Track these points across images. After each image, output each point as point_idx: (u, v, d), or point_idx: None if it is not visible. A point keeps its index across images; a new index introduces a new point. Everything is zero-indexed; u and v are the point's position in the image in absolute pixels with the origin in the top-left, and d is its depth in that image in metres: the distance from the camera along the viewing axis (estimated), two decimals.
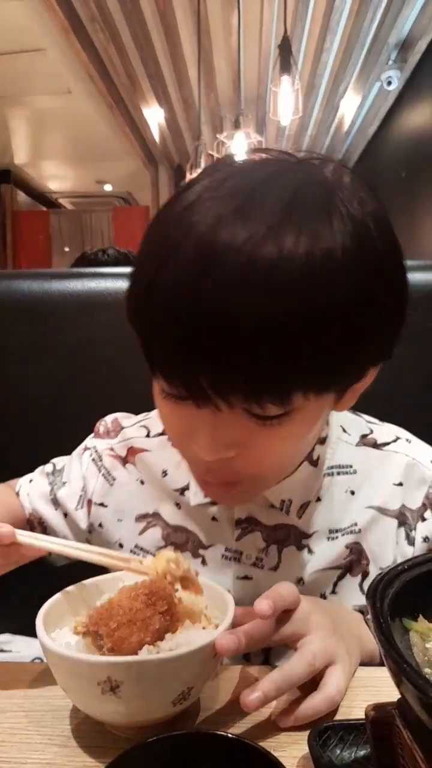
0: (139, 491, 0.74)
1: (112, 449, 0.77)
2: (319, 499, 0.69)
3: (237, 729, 0.51)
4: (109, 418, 0.80)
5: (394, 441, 0.72)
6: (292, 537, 0.69)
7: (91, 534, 0.76)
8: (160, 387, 0.55)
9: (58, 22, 3.80)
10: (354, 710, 0.52)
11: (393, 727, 0.39)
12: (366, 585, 0.68)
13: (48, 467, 0.81)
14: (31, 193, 7.77)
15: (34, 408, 1.09)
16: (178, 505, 0.72)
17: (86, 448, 0.79)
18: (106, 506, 0.75)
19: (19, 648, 1.03)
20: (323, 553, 0.68)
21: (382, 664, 0.60)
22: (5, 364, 1.10)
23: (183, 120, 5.75)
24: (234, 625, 0.52)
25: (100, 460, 0.76)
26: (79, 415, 0.84)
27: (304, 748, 0.47)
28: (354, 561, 0.68)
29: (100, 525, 0.75)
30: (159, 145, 6.49)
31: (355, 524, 0.69)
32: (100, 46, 4.29)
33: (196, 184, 0.51)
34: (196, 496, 0.70)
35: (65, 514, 0.77)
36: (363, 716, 0.42)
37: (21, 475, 0.83)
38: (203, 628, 0.54)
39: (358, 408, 0.78)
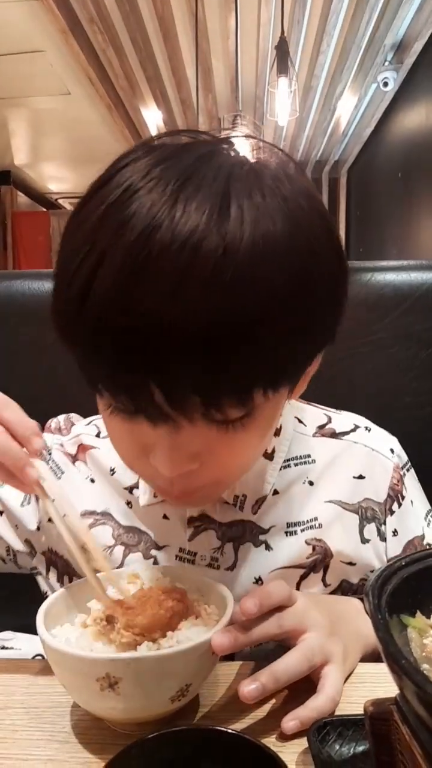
0: (88, 489, 0.71)
1: (62, 445, 0.74)
2: (276, 492, 0.67)
3: (236, 725, 0.51)
4: (61, 417, 0.79)
5: (353, 430, 0.71)
6: (248, 533, 0.66)
7: (40, 531, 0.72)
8: (105, 402, 0.51)
9: (57, 24, 3.80)
10: (352, 706, 0.52)
11: (391, 723, 0.39)
12: (329, 578, 0.67)
13: None
14: (31, 194, 7.77)
15: (34, 408, 1.08)
16: (129, 503, 0.69)
17: None
18: (53, 500, 0.72)
19: (20, 645, 1.03)
20: (282, 549, 0.66)
21: (381, 659, 0.61)
22: (6, 365, 1.10)
23: (181, 121, 5.75)
24: (233, 623, 0.52)
25: (49, 454, 0.74)
26: (80, 415, 0.83)
27: (303, 744, 0.48)
28: (318, 561, 0.66)
29: (49, 520, 0.71)
30: None
31: (316, 519, 0.67)
32: (98, 47, 4.29)
33: (122, 170, 0.47)
34: (144, 495, 0.68)
35: (1, 512, 0.73)
36: (361, 712, 0.42)
37: None
38: (203, 625, 0.54)
39: (357, 405, 0.78)
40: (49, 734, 0.51)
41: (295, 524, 0.67)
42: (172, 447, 0.49)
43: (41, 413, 1.07)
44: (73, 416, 0.79)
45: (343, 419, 0.73)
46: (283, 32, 3.04)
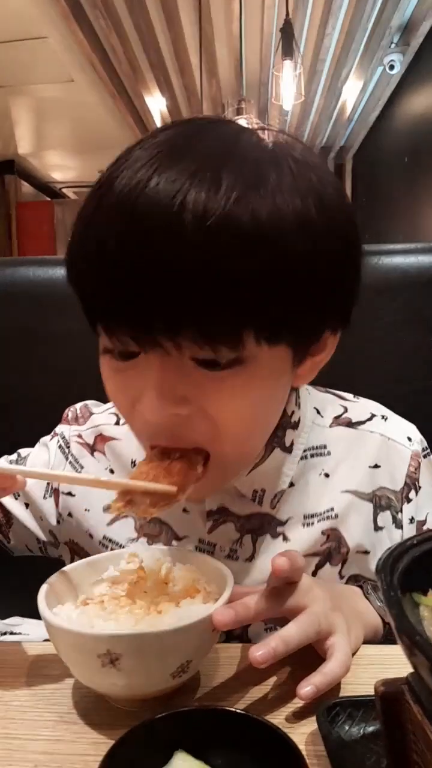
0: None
1: (80, 436, 0.74)
2: (292, 485, 0.67)
3: (239, 706, 0.51)
4: (78, 405, 0.78)
5: (369, 419, 0.70)
6: (266, 525, 0.66)
7: (60, 525, 0.73)
8: (104, 350, 0.54)
9: (60, 9, 3.76)
10: (360, 687, 0.52)
11: (403, 703, 0.38)
12: (345, 571, 0.67)
13: (12, 456, 0.79)
14: (35, 184, 7.74)
15: (35, 395, 1.08)
16: None
17: (54, 435, 0.76)
18: (74, 495, 0.72)
19: (28, 630, 1.04)
20: (299, 539, 0.66)
21: (385, 641, 0.60)
22: (7, 351, 1.09)
23: (185, 107, 5.70)
24: (232, 601, 0.51)
25: (68, 447, 0.74)
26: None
27: (311, 725, 0.47)
28: (333, 548, 0.66)
29: (70, 514, 0.73)
30: None
31: (332, 509, 0.67)
32: (102, 33, 4.25)
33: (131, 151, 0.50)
34: None
35: (26, 504, 0.75)
36: (370, 694, 0.42)
37: None
38: (203, 603, 0.54)
39: (366, 390, 0.77)
40: (57, 715, 0.51)
41: (312, 515, 0.67)
42: (159, 386, 0.50)
43: (45, 399, 1.07)
44: (91, 404, 0.79)
45: (360, 408, 0.72)
46: (287, 14, 3.00)
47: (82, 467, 0.73)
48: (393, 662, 0.56)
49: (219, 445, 0.54)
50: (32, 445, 0.81)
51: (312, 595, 0.54)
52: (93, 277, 0.48)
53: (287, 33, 2.90)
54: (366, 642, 0.58)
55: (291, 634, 0.50)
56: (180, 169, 0.45)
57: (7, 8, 3.72)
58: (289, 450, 0.66)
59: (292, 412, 0.66)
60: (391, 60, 4.30)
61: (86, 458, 0.73)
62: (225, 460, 0.56)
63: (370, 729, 0.46)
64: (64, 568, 0.58)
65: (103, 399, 0.82)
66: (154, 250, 0.45)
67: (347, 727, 0.46)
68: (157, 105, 5.54)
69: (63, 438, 0.75)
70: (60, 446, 0.74)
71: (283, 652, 0.49)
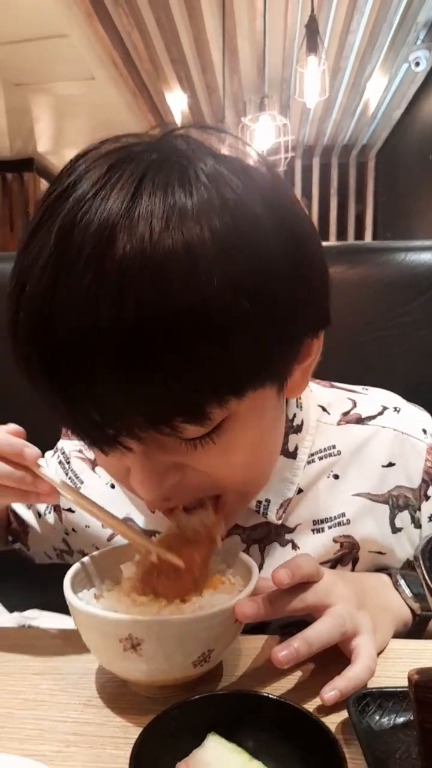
0: (109, 495, 0.68)
1: (80, 451, 0.73)
2: (301, 491, 0.64)
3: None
4: None
5: (380, 413, 0.66)
6: (273, 533, 0.64)
7: (69, 536, 0.74)
8: None
9: (82, 7, 3.78)
10: (389, 680, 0.51)
11: None
12: (358, 569, 0.65)
13: None
14: None
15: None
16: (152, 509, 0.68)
17: (55, 450, 0.76)
18: (73, 512, 0.72)
19: (46, 623, 1.04)
20: (308, 546, 0.64)
21: (415, 633, 0.59)
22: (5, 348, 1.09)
23: (206, 105, 5.70)
24: (257, 594, 0.51)
25: (68, 463, 0.73)
26: None
27: (341, 714, 0.47)
28: (345, 555, 0.64)
29: (74, 530, 0.73)
30: None
31: (343, 515, 0.63)
32: (123, 31, 4.26)
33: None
34: None
35: (38, 514, 0.76)
36: (400, 686, 0.41)
37: None
38: (227, 594, 0.53)
39: (388, 387, 0.75)
40: (86, 699, 0.51)
41: (322, 521, 0.64)
42: (143, 469, 0.47)
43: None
44: None
45: (370, 401, 0.68)
46: (312, 10, 2.98)
47: (82, 482, 0.72)
48: (421, 656, 0.56)
49: (224, 491, 0.53)
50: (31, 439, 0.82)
51: (336, 593, 0.53)
52: (36, 386, 0.44)
53: (312, 29, 2.88)
54: (395, 635, 0.57)
55: (315, 635, 0.49)
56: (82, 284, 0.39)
57: (29, 6, 3.75)
58: (293, 455, 0.63)
59: (294, 416, 0.63)
60: (417, 57, 4.25)
61: (87, 473, 0.72)
62: (236, 497, 0.55)
63: (401, 720, 0.46)
64: (91, 554, 0.58)
65: None
66: (77, 319, 0.39)
67: (377, 717, 0.46)
68: (177, 102, 5.55)
69: (63, 453, 0.74)
70: (60, 461, 0.74)
71: (306, 654, 0.48)
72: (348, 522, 0.64)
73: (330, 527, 0.64)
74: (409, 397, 0.73)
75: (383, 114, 5.82)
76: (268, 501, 0.62)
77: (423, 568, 0.32)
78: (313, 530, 0.64)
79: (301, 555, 0.54)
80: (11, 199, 6.99)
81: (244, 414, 0.47)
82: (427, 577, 0.32)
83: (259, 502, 0.62)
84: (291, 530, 0.64)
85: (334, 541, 0.64)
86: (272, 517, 0.63)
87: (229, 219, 0.41)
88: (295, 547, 0.64)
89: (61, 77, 4.94)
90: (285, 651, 0.47)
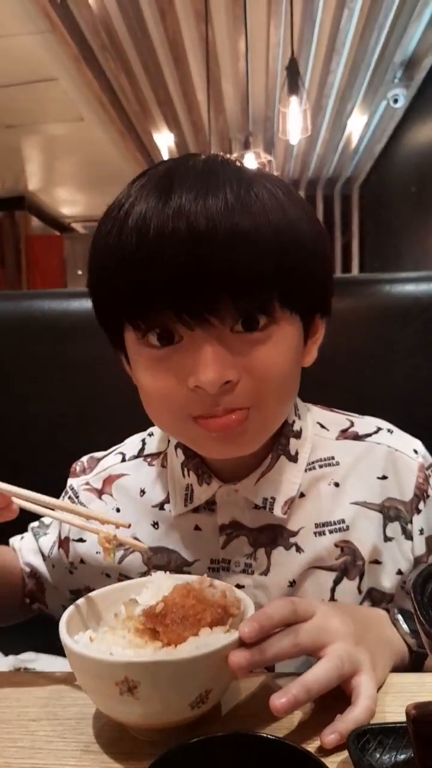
0: (114, 518, 0.70)
1: (87, 483, 0.76)
2: (303, 495, 0.68)
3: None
4: (84, 458, 0.81)
5: (376, 432, 0.72)
6: (279, 537, 0.67)
7: (73, 575, 0.75)
8: (137, 345, 0.59)
9: (70, 52, 3.89)
10: (388, 715, 0.51)
11: None
12: (363, 586, 0.67)
13: (35, 523, 0.82)
14: (45, 218, 7.89)
15: (52, 427, 1.10)
16: (155, 525, 0.71)
17: (65, 492, 0.78)
18: (84, 541, 0.74)
19: (43, 666, 1.03)
20: (312, 548, 0.67)
21: (412, 668, 0.59)
22: (25, 383, 1.11)
23: (192, 143, 5.83)
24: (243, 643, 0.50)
25: (77, 497, 0.76)
26: (98, 434, 0.84)
27: (342, 754, 0.47)
28: (349, 562, 0.67)
29: (82, 561, 0.74)
30: None
31: (343, 521, 0.67)
32: (111, 74, 4.38)
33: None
34: (176, 506, 0.69)
35: (43, 556, 0.78)
36: (399, 721, 0.41)
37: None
38: (224, 631, 0.52)
39: (380, 414, 0.77)
40: (83, 744, 0.50)
41: (324, 524, 0.68)
42: (214, 358, 0.55)
43: (59, 431, 1.08)
44: (95, 454, 0.81)
45: (366, 423, 0.74)
46: (293, 53, 3.08)
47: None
48: (420, 690, 0.55)
49: (262, 400, 0.59)
50: (50, 474, 0.81)
51: (332, 630, 0.52)
52: (133, 270, 0.54)
53: (293, 71, 2.97)
54: (393, 670, 0.57)
55: (313, 680, 0.49)
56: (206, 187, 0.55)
57: (20, 52, 3.86)
58: (294, 459, 0.68)
59: (293, 421, 0.69)
60: (395, 94, 4.40)
61: (94, 503, 0.75)
62: (267, 413, 0.60)
63: (402, 757, 0.45)
64: (87, 595, 0.58)
65: (117, 429, 0.84)
66: (189, 219, 0.52)
67: (378, 755, 0.45)
68: (164, 141, 5.67)
69: (72, 490, 0.77)
70: (69, 497, 0.77)
71: (305, 700, 0.48)
72: (347, 528, 0.67)
73: (331, 531, 0.67)
74: (405, 424, 0.75)
75: (365, 148, 5.98)
76: (273, 498, 0.67)
77: (415, 602, 0.33)
78: (315, 533, 0.67)
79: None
80: (2, 236, 7.07)
81: (285, 326, 0.59)
82: (418, 610, 0.32)
83: (265, 499, 0.67)
84: (294, 533, 0.67)
85: (335, 545, 0.67)
86: (278, 511, 0.66)
87: (291, 191, 0.60)
88: (299, 550, 0.67)
89: (51, 119, 5.05)
90: (283, 699, 0.47)
